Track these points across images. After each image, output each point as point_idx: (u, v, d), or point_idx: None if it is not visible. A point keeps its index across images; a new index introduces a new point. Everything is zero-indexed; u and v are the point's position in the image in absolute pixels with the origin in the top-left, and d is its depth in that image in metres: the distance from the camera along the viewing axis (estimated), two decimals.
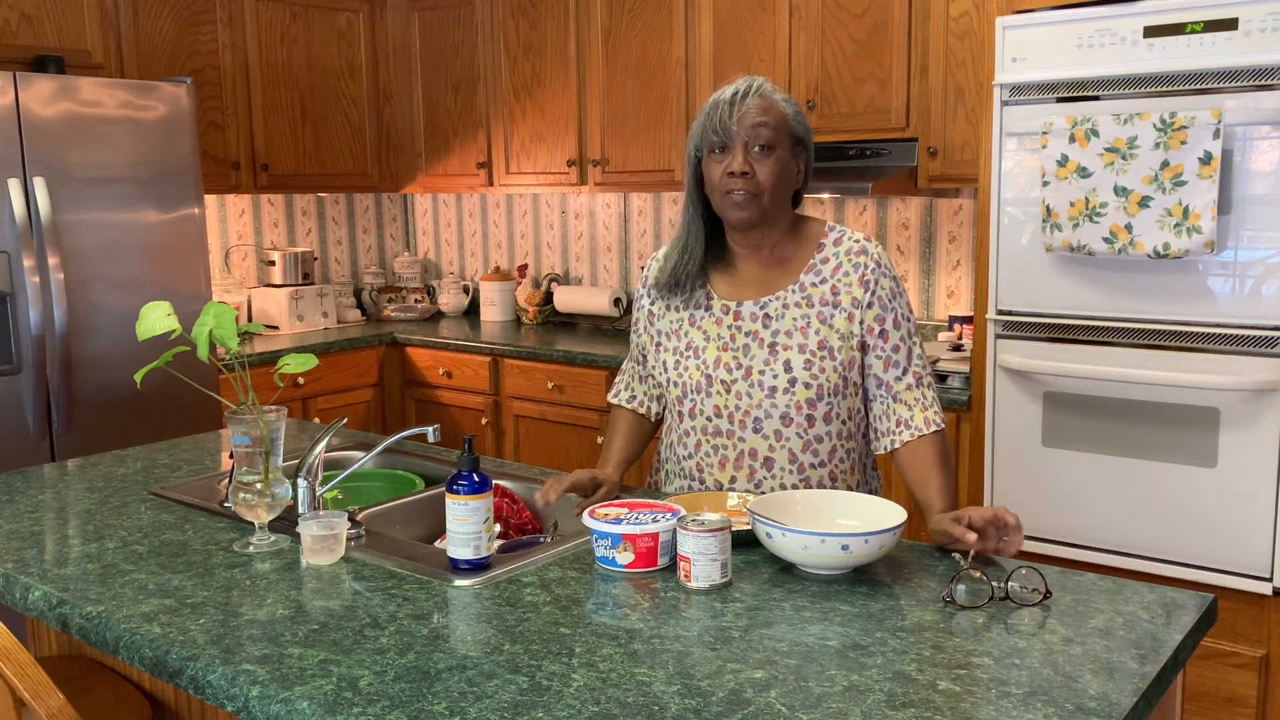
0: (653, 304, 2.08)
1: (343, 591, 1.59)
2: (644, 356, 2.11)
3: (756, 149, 1.85)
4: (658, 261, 2.07)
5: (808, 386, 1.89)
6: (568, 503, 2.07)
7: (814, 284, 1.94)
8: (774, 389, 1.90)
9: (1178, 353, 2.62)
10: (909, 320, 1.95)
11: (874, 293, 1.92)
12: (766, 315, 1.94)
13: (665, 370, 2.02)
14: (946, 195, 3.64)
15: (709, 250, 1.99)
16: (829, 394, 1.90)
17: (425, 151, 4.77)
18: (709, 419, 1.96)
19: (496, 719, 1.20)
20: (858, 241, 1.97)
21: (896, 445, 1.92)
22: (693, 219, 1.98)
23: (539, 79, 4.31)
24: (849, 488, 1.99)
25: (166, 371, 1.82)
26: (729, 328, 1.96)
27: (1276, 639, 2.60)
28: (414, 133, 4.79)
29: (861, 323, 1.92)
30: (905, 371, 1.93)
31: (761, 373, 1.91)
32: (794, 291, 1.94)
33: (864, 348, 1.93)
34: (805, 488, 1.93)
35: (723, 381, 1.93)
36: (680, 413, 2.00)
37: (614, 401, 2.19)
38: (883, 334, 1.93)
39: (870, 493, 2.06)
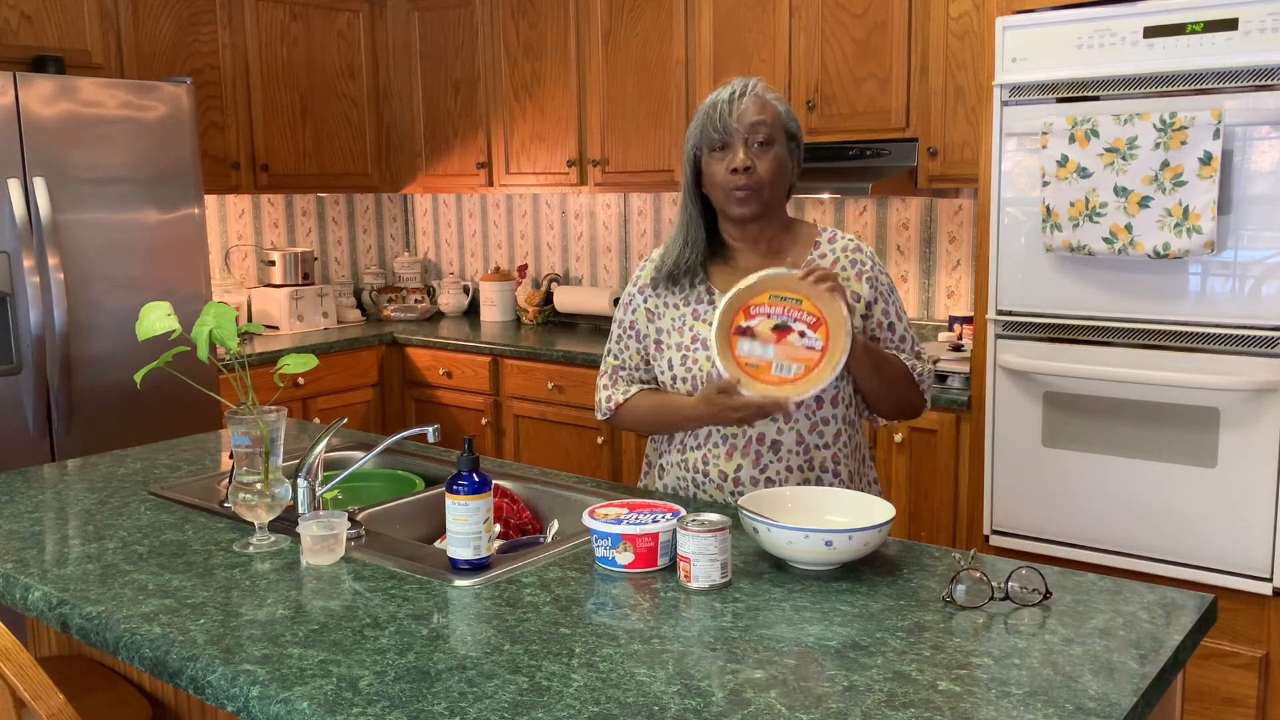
0: (646, 302, 2.07)
1: (343, 591, 1.59)
2: (645, 362, 2.08)
3: (756, 145, 1.91)
4: (652, 262, 2.10)
5: None
6: (568, 503, 2.07)
7: None
8: None
9: (1178, 353, 2.62)
10: (904, 310, 2.08)
11: (878, 290, 2.03)
12: None
13: (670, 368, 2.01)
14: (946, 195, 3.64)
15: (706, 245, 2.04)
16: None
17: (425, 151, 4.77)
18: None
19: (496, 719, 1.20)
20: (852, 240, 2.06)
21: None
22: (692, 215, 2.04)
23: (539, 79, 4.31)
24: (849, 473, 2.01)
25: (166, 371, 1.82)
26: None
27: (1276, 639, 2.60)
28: (414, 133, 4.79)
29: (868, 318, 2.01)
30: (904, 355, 2.04)
31: None
32: None
33: (873, 341, 2.01)
34: (808, 470, 1.96)
35: None
36: None
37: (623, 399, 2.06)
38: (890, 326, 2.04)
39: (867, 483, 2.08)
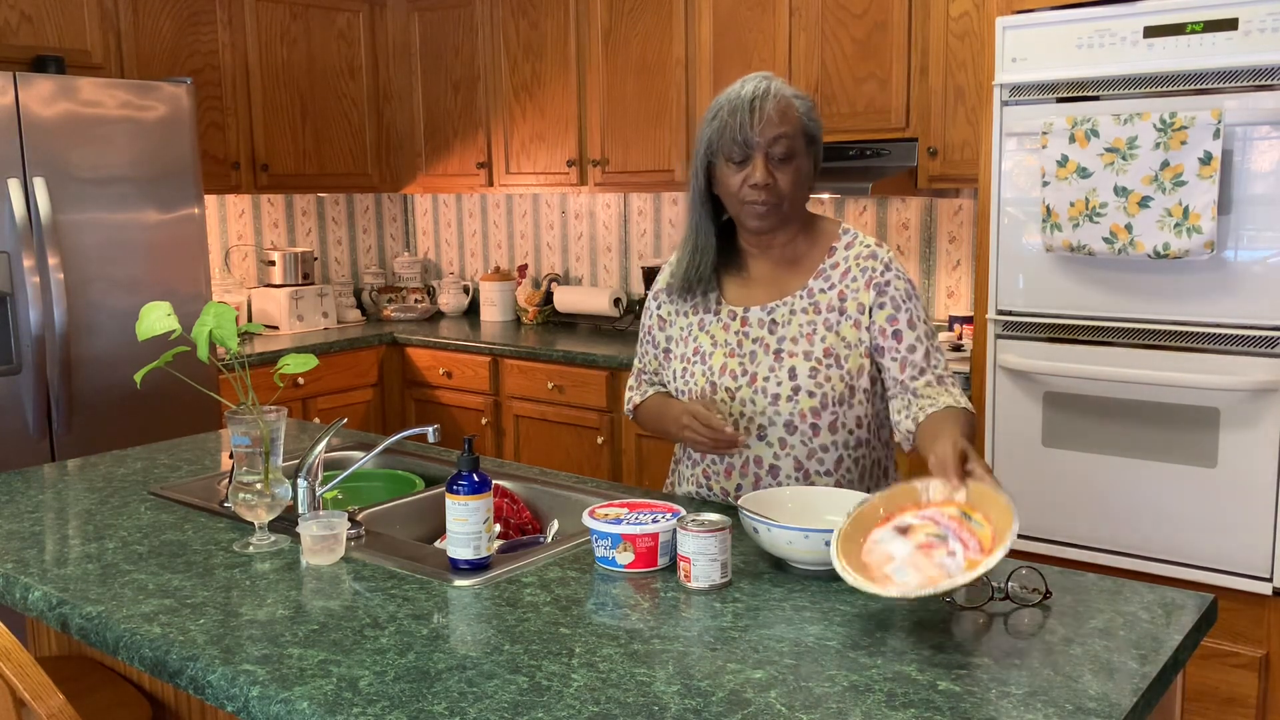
0: (660, 308, 2.06)
1: (343, 591, 1.59)
2: (660, 370, 2.08)
3: (777, 159, 1.83)
4: (670, 266, 2.05)
5: (811, 395, 1.87)
6: (568, 503, 2.07)
7: (822, 290, 1.92)
8: (777, 396, 1.88)
9: (1178, 353, 2.62)
10: (925, 322, 1.90)
11: (884, 294, 1.89)
12: (773, 321, 1.93)
13: (674, 379, 2.01)
14: (946, 195, 3.64)
15: (720, 250, 1.97)
16: (834, 403, 1.87)
17: (425, 151, 4.77)
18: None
19: (496, 719, 1.20)
20: (868, 246, 1.94)
21: (919, 420, 1.79)
22: (701, 219, 1.95)
23: (539, 79, 4.31)
24: None
25: (166, 371, 1.82)
26: (736, 333, 1.95)
27: (1276, 639, 2.60)
28: (414, 133, 4.79)
29: (870, 327, 1.89)
30: (924, 372, 1.87)
31: (766, 379, 1.89)
32: (801, 297, 1.92)
33: (878, 351, 1.89)
34: None
35: (728, 389, 1.91)
36: None
37: (641, 399, 2.10)
38: (896, 334, 1.88)
39: None
